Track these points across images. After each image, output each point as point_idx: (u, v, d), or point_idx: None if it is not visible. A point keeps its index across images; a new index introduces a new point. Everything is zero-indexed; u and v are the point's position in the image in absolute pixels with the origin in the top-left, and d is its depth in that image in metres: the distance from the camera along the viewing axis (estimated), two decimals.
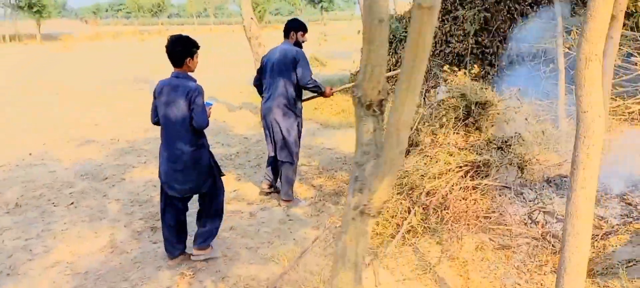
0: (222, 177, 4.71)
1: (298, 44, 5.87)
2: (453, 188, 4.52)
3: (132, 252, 4.77)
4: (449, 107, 5.29)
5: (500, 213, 4.84)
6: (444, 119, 5.16)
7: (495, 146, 5.14)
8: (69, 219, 5.54)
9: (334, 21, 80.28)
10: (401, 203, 4.41)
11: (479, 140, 5.21)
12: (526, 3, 10.22)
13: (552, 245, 4.72)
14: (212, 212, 4.62)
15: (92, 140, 9.05)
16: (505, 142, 5.09)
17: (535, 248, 4.71)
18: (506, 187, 4.74)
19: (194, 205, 4.73)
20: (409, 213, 4.40)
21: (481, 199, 4.65)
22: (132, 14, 57.79)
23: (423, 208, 4.48)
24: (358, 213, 1.69)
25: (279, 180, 6.13)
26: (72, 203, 6.01)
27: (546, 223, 5.09)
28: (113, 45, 36.87)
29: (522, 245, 4.81)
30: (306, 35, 5.97)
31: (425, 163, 4.68)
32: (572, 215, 2.61)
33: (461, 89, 5.56)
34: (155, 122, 4.50)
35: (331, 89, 6.02)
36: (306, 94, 6.03)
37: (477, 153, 4.90)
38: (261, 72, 5.98)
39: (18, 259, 4.65)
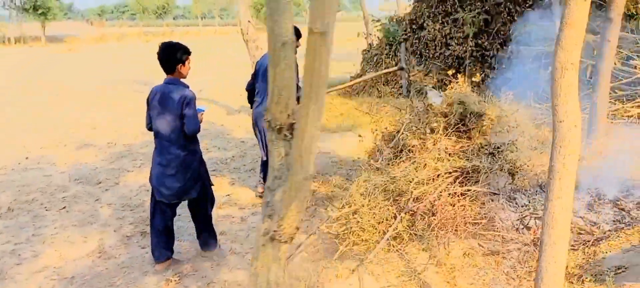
0: (211, 186, 4.75)
1: None
2: (441, 195, 4.48)
3: (120, 257, 4.76)
4: (439, 112, 5.25)
5: (490, 219, 4.80)
6: (435, 124, 5.12)
7: (487, 152, 5.10)
8: (60, 224, 5.54)
9: (341, 22, 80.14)
10: (388, 209, 4.37)
11: (470, 146, 5.17)
12: (527, 5, 10.17)
13: None
14: (201, 219, 4.69)
15: (89, 143, 9.06)
16: (497, 148, 5.04)
17: (526, 254, 4.67)
18: (494, 193, 4.70)
19: (184, 210, 4.73)
20: (396, 219, 4.36)
21: (470, 205, 4.61)
22: (137, 15, 57.90)
23: (411, 215, 4.44)
24: (268, 240, 1.66)
25: None
26: (64, 207, 6.01)
27: (538, 229, 5.05)
28: (117, 47, 36.96)
29: (513, 251, 4.76)
30: (300, 40, 5.95)
31: (415, 169, 4.64)
32: (549, 225, 2.58)
33: (461, 97, 5.53)
34: (150, 128, 4.54)
35: None
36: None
37: (467, 159, 4.86)
38: (255, 77, 5.98)
39: (6, 263, 4.65)
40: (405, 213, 4.35)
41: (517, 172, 5.08)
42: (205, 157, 8.01)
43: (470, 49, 10.35)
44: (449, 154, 4.99)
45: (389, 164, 4.99)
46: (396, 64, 11.82)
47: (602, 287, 3.97)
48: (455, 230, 4.46)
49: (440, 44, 10.89)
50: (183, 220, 5.47)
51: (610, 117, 7.97)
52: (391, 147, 5.29)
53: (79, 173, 7.30)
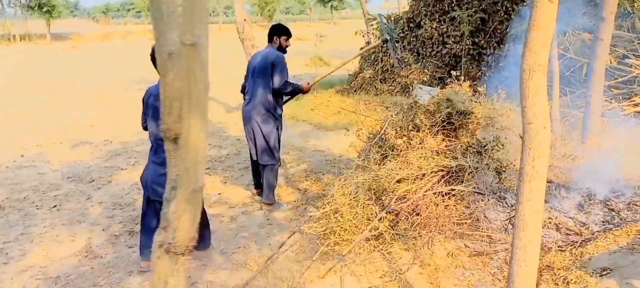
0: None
1: (282, 49, 5.85)
2: (426, 194, 4.46)
3: (106, 257, 4.78)
4: (425, 110, 5.23)
5: (476, 219, 4.77)
6: (418, 121, 5.09)
7: (474, 150, 5.08)
8: (50, 222, 5.56)
9: (345, 19, 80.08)
10: (371, 208, 4.36)
11: (457, 144, 5.14)
12: (524, 3, 10.11)
13: None
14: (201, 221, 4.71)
15: (86, 141, 9.09)
16: (483, 146, 5.02)
17: None
18: (479, 192, 4.67)
19: None
20: (379, 219, 4.34)
21: (455, 205, 4.59)
22: (143, 13, 57.98)
23: (394, 214, 4.43)
24: (163, 252, 1.65)
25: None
26: (55, 206, 6.04)
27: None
28: (121, 45, 37.08)
29: (500, 251, 4.74)
30: (290, 40, 5.95)
31: (398, 168, 4.62)
32: (519, 228, 2.56)
33: (448, 95, 5.51)
34: (145, 127, 4.58)
35: (308, 84, 6.02)
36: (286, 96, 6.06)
37: (453, 158, 4.83)
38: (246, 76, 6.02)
39: None
40: (387, 213, 4.33)
41: (504, 170, 5.04)
42: None
43: (467, 47, 10.31)
44: (437, 153, 4.97)
45: (375, 163, 4.97)
46: (393, 63, 11.79)
47: None
48: (439, 230, 4.43)
49: (437, 43, 10.86)
50: None
51: (606, 115, 7.93)
52: (376, 145, 5.27)
53: (72, 171, 7.33)
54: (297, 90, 5.84)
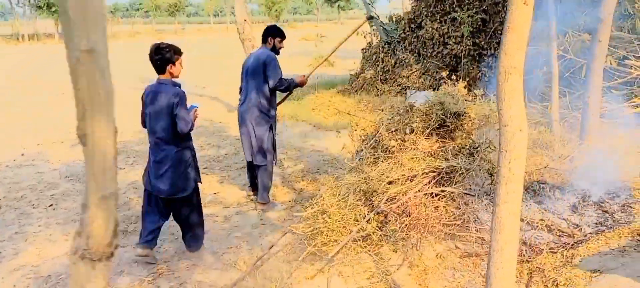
0: (199, 184, 4.90)
1: (275, 50, 5.89)
2: (415, 195, 4.45)
3: None
4: (420, 112, 5.22)
5: (467, 221, 4.76)
6: (414, 124, 5.08)
7: (467, 152, 5.06)
8: (45, 221, 5.60)
9: (352, 20, 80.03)
10: (360, 210, 4.36)
11: (451, 146, 5.13)
12: None
13: (523, 253, 4.65)
14: (188, 218, 4.74)
15: None
16: (476, 147, 5.00)
17: None
18: (470, 194, 4.66)
19: None
20: (367, 220, 4.34)
21: (445, 206, 4.58)
22: (150, 13, 58.26)
23: (384, 215, 4.42)
24: (79, 258, 1.65)
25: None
26: (51, 205, 6.08)
27: (520, 230, 5.00)
28: (129, 45, 37.26)
29: None
30: (283, 42, 6.00)
31: (389, 169, 4.62)
32: (496, 230, 2.55)
33: (441, 97, 5.50)
34: (145, 126, 4.69)
35: (304, 77, 6.02)
36: (281, 95, 6.09)
37: (445, 160, 4.82)
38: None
39: None
40: (376, 214, 4.33)
41: (496, 172, 5.01)
42: (199, 154, 8.12)
43: (467, 48, 10.28)
44: (430, 154, 4.96)
45: (367, 164, 4.97)
46: (395, 62, 11.78)
47: None
48: (428, 231, 4.43)
49: (438, 43, 10.83)
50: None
51: (605, 116, 7.88)
52: (371, 147, 5.27)
53: (70, 170, 7.38)
54: (293, 85, 5.85)
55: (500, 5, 10.17)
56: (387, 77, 11.67)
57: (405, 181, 4.57)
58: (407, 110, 5.04)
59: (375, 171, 4.63)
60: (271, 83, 5.61)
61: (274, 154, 6.01)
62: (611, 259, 4.29)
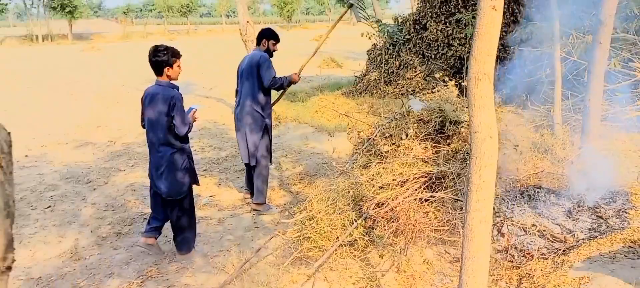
0: (197, 185, 5.03)
1: (269, 52, 5.93)
2: (404, 200, 4.43)
3: (90, 258, 4.84)
4: (417, 119, 5.20)
5: (458, 226, 4.73)
6: (410, 130, 5.07)
7: (460, 157, 5.04)
8: (41, 223, 5.66)
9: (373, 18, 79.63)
10: (348, 215, 4.35)
11: (445, 151, 5.10)
12: (531, 6, 9.96)
13: (514, 258, 4.61)
14: (179, 219, 4.78)
15: (90, 142, 9.23)
16: (469, 153, 4.96)
17: (496, 261, 4.60)
18: (459, 199, 4.63)
19: None
20: (354, 226, 4.33)
21: (435, 211, 4.55)
22: (163, 13, 58.65)
23: (372, 221, 4.41)
24: None
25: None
26: (49, 206, 6.14)
27: (512, 235, 4.96)
28: (140, 45, 37.52)
29: None
30: (277, 45, 6.04)
31: (379, 174, 4.60)
32: (467, 238, 2.53)
33: (441, 105, 5.48)
34: (144, 127, 4.79)
35: (296, 74, 6.04)
36: (276, 94, 6.16)
37: (437, 165, 4.80)
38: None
39: None
40: (363, 219, 4.32)
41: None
42: (199, 156, 8.16)
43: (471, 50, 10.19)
44: (422, 160, 4.93)
45: (360, 168, 4.96)
46: (400, 64, 11.73)
47: None
48: (417, 236, 4.40)
49: (442, 45, 10.76)
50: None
51: (608, 119, 7.79)
52: (366, 151, 5.26)
53: (71, 172, 7.45)
54: (286, 83, 5.89)
55: (505, 5, 10.07)
56: (392, 79, 11.63)
57: (396, 186, 4.55)
58: (404, 115, 5.02)
59: (365, 176, 4.62)
60: (266, 83, 5.66)
61: (270, 156, 6.04)
62: (601, 266, 4.23)
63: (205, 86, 15.74)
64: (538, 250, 4.66)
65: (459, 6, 10.72)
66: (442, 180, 4.79)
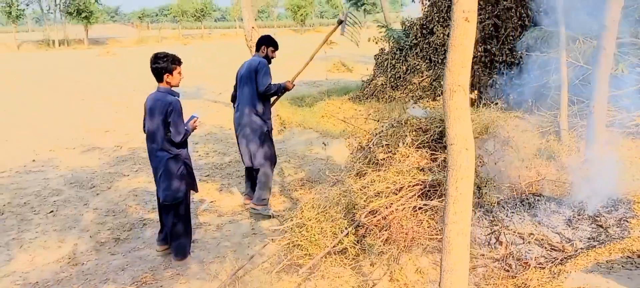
0: (195, 192, 5.18)
1: (268, 59, 5.96)
2: (397, 208, 4.40)
3: (87, 264, 4.88)
4: (417, 127, 5.18)
5: None
6: (408, 138, 5.04)
7: None
8: (42, 228, 5.72)
9: (377, 23, 79.63)
10: (340, 223, 4.33)
11: (442, 158, 5.06)
12: (539, 10, 9.87)
13: (511, 267, 4.56)
14: (174, 224, 4.82)
15: (97, 147, 9.32)
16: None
17: (492, 271, 4.55)
18: None
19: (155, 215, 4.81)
20: (343, 233, 4.31)
21: (429, 219, 4.52)
22: (178, 18, 59.05)
23: (365, 229, 4.39)
24: None
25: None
26: (51, 211, 6.20)
27: (510, 244, 4.91)
28: (155, 50, 37.73)
29: (478, 267, 4.65)
30: (276, 52, 6.08)
31: (372, 182, 4.58)
32: (446, 251, 2.51)
33: (442, 114, 5.44)
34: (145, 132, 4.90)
35: (290, 82, 6.05)
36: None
37: (432, 173, 4.76)
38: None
39: None
40: (354, 228, 4.30)
41: (484, 185, 4.94)
42: (203, 161, 8.20)
43: (479, 54, 10.12)
44: (418, 168, 4.90)
45: (353, 176, 4.94)
46: (407, 69, 11.69)
47: None
48: (410, 245, 4.37)
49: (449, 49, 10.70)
50: (155, 226, 5.57)
51: (614, 125, 7.68)
52: (363, 157, 5.24)
53: (75, 177, 7.52)
54: (281, 89, 5.94)
55: (512, 10, 10.00)
56: (398, 83, 11.59)
57: (390, 194, 4.52)
58: (402, 123, 5.00)
59: (358, 184, 4.60)
60: (260, 88, 5.70)
61: (273, 160, 6.07)
62: (595, 276, 4.17)
63: (215, 91, 15.81)
64: (535, 260, 4.61)
65: None
66: (437, 189, 4.75)
